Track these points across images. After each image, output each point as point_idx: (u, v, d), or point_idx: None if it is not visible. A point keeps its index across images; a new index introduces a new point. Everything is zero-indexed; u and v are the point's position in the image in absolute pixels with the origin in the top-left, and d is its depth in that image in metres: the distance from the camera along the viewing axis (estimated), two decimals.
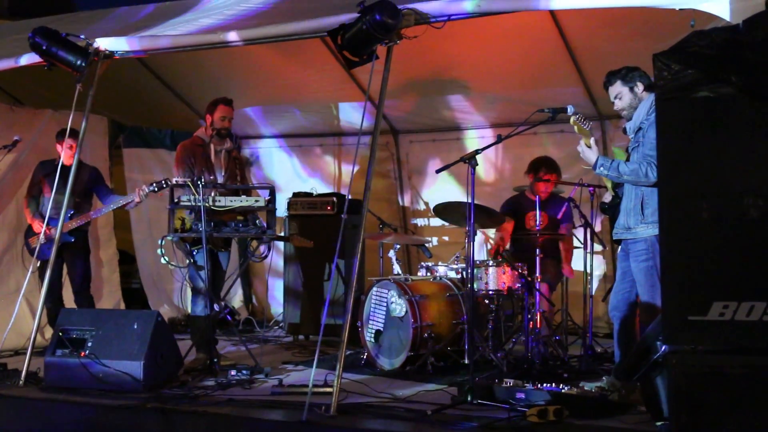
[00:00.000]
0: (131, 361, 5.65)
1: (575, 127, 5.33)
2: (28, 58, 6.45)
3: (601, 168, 5.26)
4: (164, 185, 6.61)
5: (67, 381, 5.75)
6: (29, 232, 7.50)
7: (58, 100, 7.94)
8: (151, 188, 6.68)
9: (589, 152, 5.32)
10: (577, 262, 7.47)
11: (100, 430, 5.28)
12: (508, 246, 7.58)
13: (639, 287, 5.19)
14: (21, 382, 5.91)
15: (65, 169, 6.78)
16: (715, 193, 3.75)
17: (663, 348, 3.99)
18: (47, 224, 6.92)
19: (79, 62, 6.23)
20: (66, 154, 7.16)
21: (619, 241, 5.49)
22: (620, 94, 5.34)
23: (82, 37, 6.34)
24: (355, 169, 7.99)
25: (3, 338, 6.23)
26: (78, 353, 5.77)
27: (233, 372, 6.12)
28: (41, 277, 6.87)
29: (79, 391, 5.63)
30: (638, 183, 5.15)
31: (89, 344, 5.80)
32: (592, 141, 5.34)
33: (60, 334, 5.92)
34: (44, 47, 6.17)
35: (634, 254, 5.20)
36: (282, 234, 8.60)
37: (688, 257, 3.80)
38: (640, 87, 5.27)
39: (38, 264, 7.18)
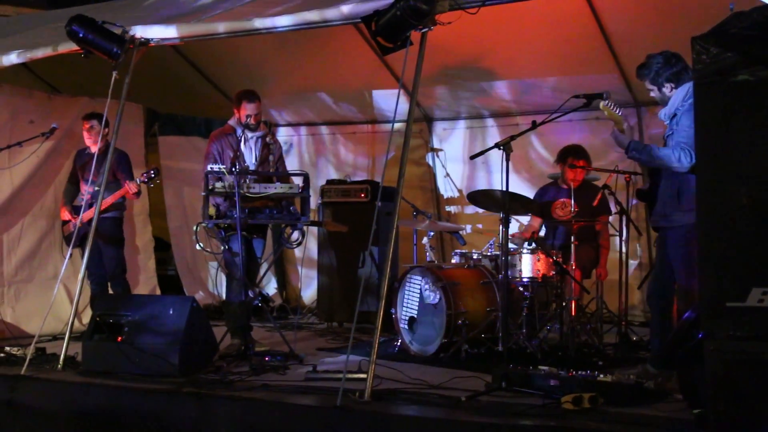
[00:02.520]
0: (167, 346, 5.69)
1: (606, 113, 5.31)
2: (65, 46, 6.50)
3: (634, 152, 5.23)
4: (153, 175, 7.18)
5: (104, 365, 5.82)
6: (65, 221, 7.62)
7: (94, 88, 8.01)
8: (142, 180, 7.16)
9: (622, 137, 5.29)
10: (613, 250, 7.41)
11: (137, 413, 5.33)
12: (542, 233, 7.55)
13: (677, 274, 5.15)
14: (59, 366, 5.98)
15: (98, 157, 6.89)
16: (755, 179, 3.68)
17: (700, 335, 3.95)
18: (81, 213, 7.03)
19: (115, 50, 6.27)
20: (85, 137, 7.40)
21: (657, 229, 5.44)
22: (651, 90, 5.34)
23: (118, 24, 6.37)
24: (389, 156, 7.98)
25: (42, 323, 6.30)
26: (115, 338, 5.83)
27: (268, 358, 6.15)
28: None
29: (115, 375, 5.69)
30: (671, 168, 5.11)
31: (126, 329, 5.86)
32: (624, 127, 5.32)
33: (97, 318, 5.99)
34: (81, 35, 6.21)
35: (672, 241, 5.16)
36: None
37: (727, 243, 3.75)
38: (668, 87, 5.24)
39: (71, 252, 7.28)
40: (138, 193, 7.32)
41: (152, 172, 7.27)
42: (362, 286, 5.39)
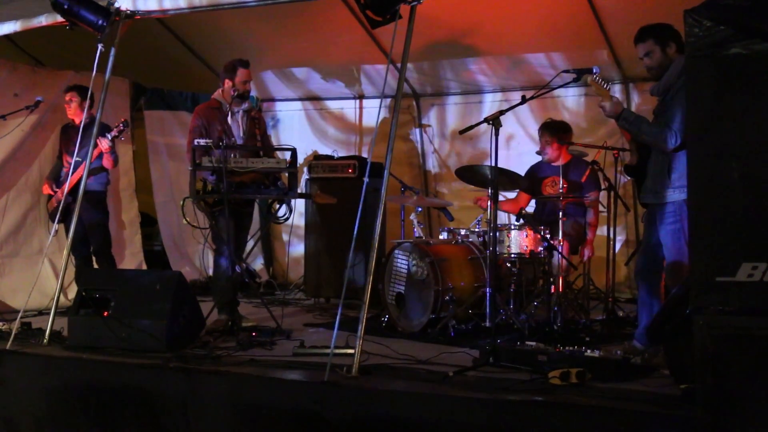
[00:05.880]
0: (154, 321, 5.66)
1: (593, 87, 5.27)
2: (50, 18, 6.42)
3: (623, 122, 5.20)
4: (122, 127, 7.18)
5: (90, 340, 5.78)
6: (49, 196, 7.57)
7: (79, 62, 7.93)
8: (113, 135, 7.15)
9: (611, 105, 5.23)
10: (601, 227, 7.41)
11: (123, 388, 5.31)
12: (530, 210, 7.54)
13: (666, 250, 5.14)
14: (45, 341, 5.94)
15: (82, 129, 6.82)
16: (746, 153, 3.68)
17: (689, 309, 3.95)
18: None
19: (100, 22, 6.18)
20: (66, 109, 7.41)
21: (646, 205, 5.43)
22: (652, 52, 5.21)
23: None
24: (377, 132, 7.94)
25: (27, 298, 6.26)
26: (101, 313, 5.80)
27: (255, 333, 6.13)
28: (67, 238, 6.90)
29: (102, 350, 5.66)
30: (656, 146, 5.09)
31: (112, 304, 5.82)
32: (614, 98, 5.28)
33: (83, 293, 5.95)
34: (66, 7, 6.12)
35: (661, 217, 5.14)
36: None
37: (717, 217, 3.74)
38: (672, 47, 5.15)
39: (56, 228, 7.22)
40: (113, 153, 7.24)
41: (121, 124, 7.22)
42: (350, 261, 5.36)
